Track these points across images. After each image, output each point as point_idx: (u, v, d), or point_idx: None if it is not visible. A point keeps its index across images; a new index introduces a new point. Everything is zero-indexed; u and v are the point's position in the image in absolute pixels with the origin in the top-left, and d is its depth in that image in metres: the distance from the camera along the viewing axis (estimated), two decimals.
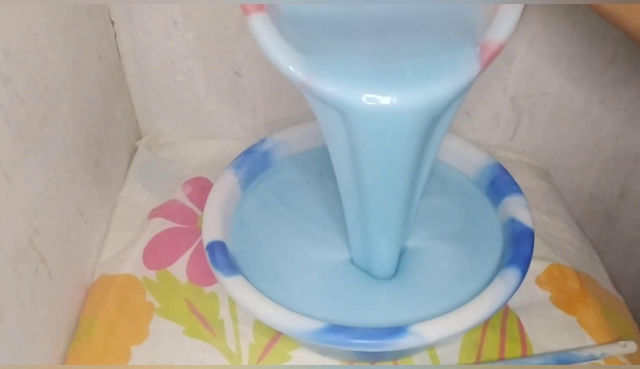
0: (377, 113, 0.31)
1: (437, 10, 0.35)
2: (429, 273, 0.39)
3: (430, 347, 0.39)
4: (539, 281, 0.44)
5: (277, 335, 0.39)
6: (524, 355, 0.39)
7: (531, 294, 0.43)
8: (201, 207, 0.44)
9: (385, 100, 0.30)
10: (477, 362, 0.39)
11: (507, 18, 0.32)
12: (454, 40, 0.33)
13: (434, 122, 0.33)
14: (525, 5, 0.34)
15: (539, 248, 0.44)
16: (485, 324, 0.40)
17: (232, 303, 0.42)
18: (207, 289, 0.43)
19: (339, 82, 0.31)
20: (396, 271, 0.40)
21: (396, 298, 0.38)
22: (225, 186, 0.43)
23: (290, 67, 0.31)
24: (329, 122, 0.34)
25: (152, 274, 0.44)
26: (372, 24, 0.34)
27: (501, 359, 0.39)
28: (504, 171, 0.44)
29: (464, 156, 0.46)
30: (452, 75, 0.31)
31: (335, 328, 0.34)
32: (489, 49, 0.31)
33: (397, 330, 0.34)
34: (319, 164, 0.46)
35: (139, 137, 0.57)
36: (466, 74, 0.31)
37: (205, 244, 0.39)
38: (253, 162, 0.45)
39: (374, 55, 0.32)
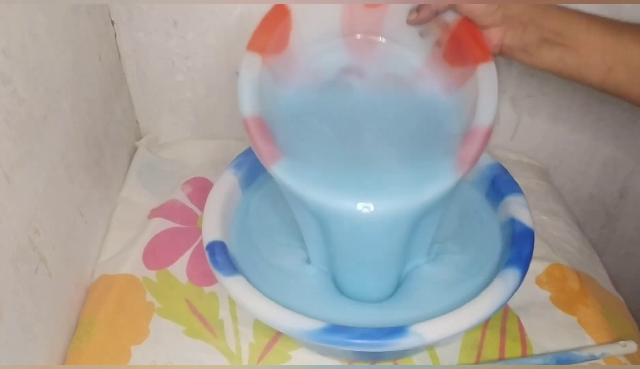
0: (357, 219, 0.34)
1: (414, 115, 0.38)
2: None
3: (430, 347, 0.39)
4: (539, 281, 0.44)
5: (277, 335, 0.39)
6: (524, 355, 0.39)
7: (531, 294, 0.43)
8: (201, 207, 0.44)
9: (364, 208, 0.34)
10: (477, 362, 0.39)
11: (480, 131, 0.35)
12: (431, 149, 0.36)
13: (415, 224, 0.36)
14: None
15: (539, 248, 0.44)
16: (485, 324, 0.40)
17: (232, 303, 0.42)
18: (207, 289, 0.43)
19: (320, 189, 0.34)
20: None
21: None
22: (225, 186, 0.43)
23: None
24: (305, 218, 0.38)
25: (152, 274, 0.44)
26: (354, 128, 0.38)
27: (501, 359, 0.39)
28: (504, 171, 0.44)
29: None
30: (431, 187, 0.35)
31: (335, 328, 0.34)
32: (466, 161, 0.35)
33: (397, 330, 0.34)
34: None
35: (139, 137, 0.57)
36: (444, 185, 0.34)
37: (205, 244, 0.39)
38: (253, 162, 0.45)
39: (355, 163, 0.36)
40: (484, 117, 0.36)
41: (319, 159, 0.36)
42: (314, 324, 0.34)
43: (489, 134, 0.36)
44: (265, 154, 0.35)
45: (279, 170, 0.35)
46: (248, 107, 0.36)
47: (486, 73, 0.37)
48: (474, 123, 0.36)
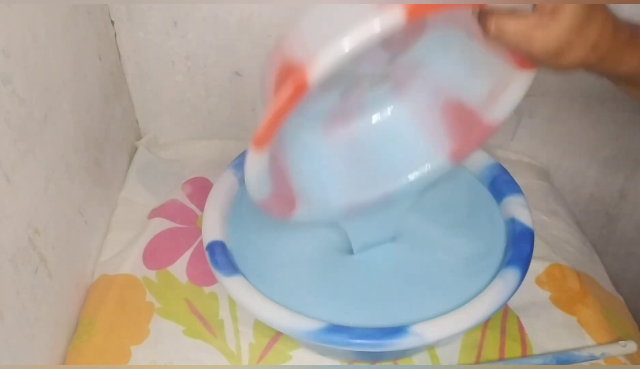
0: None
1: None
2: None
3: (430, 347, 0.39)
4: (539, 281, 0.44)
5: (277, 335, 0.39)
6: (524, 355, 0.39)
7: (531, 294, 0.43)
8: (201, 207, 0.44)
9: None
10: (477, 362, 0.39)
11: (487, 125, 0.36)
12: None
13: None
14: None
15: (539, 248, 0.44)
16: (485, 324, 0.40)
17: (232, 303, 0.42)
18: (207, 289, 0.43)
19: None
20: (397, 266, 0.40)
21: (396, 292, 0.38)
22: (225, 186, 0.43)
23: None
24: None
25: (152, 274, 0.44)
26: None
27: (501, 359, 0.39)
28: (504, 171, 0.44)
29: None
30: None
31: (335, 328, 0.34)
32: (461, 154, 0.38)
33: (397, 330, 0.34)
34: None
35: (139, 137, 0.57)
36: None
37: (205, 244, 0.39)
38: None
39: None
40: (497, 112, 0.35)
41: (324, 189, 0.39)
42: (314, 324, 0.34)
43: (493, 131, 0.36)
44: (283, 217, 0.37)
45: (297, 219, 0.37)
46: (258, 194, 0.34)
47: (522, 80, 0.33)
48: (486, 114, 0.35)
